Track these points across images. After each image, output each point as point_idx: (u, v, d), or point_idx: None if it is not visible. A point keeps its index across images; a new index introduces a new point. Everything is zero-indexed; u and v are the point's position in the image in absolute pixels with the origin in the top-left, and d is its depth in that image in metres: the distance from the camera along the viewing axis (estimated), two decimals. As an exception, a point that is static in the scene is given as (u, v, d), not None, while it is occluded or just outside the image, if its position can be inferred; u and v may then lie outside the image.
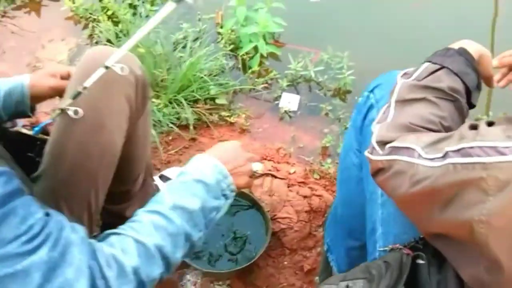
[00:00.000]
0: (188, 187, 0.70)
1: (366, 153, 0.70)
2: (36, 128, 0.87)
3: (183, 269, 1.18)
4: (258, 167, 0.84)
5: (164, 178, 1.33)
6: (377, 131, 0.70)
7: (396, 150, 0.64)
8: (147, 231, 0.65)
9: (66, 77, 0.93)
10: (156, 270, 0.65)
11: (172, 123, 1.53)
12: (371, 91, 0.88)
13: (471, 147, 0.53)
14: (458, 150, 0.54)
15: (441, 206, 0.56)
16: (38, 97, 0.92)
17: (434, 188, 0.56)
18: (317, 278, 1.21)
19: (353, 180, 0.94)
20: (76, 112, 0.77)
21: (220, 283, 1.18)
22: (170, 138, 1.53)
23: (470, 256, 0.57)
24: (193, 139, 1.54)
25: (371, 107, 0.86)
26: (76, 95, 0.76)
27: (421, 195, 0.59)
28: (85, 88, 0.75)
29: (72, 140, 0.80)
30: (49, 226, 0.56)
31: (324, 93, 1.71)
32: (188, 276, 1.17)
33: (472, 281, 0.59)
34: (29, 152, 0.87)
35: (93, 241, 0.63)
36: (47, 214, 0.59)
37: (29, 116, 0.93)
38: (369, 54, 1.76)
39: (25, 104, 0.90)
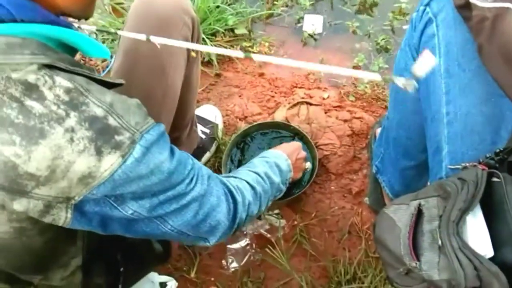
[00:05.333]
0: (271, 166, 0.89)
1: (471, 0, 0.65)
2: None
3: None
4: (308, 165, 1.13)
5: (198, 118, 1.29)
6: None
7: None
8: (253, 181, 0.81)
9: None
10: (255, 211, 0.79)
11: (194, 60, 1.47)
12: (427, 4, 0.80)
13: None
14: None
15: None
16: None
17: None
18: (366, 199, 1.21)
19: (409, 101, 0.89)
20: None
21: (270, 212, 1.19)
22: (199, 76, 1.47)
23: None
24: (218, 75, 1.48)
25: (429, 22, 0.79)
26: None
27: None
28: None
29: (135, 82, 0.79)
30: (196, 167, 0.67)
31: (349, 8, 1.60)
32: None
33: None
34: None
35: (219, 175, 0.76)
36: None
37: None
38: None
39: None
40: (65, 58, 0.55)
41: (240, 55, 0.64)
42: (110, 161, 0.52)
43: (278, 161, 0.91)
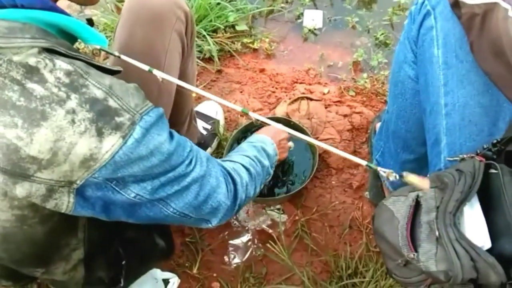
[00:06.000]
0: (259, 150, 0.89)
1: None
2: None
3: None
4: (290, 144, 1.11)
5: (199, 115, 1.30)
6: None
7: None
8: (247, 163, 0.82)
9: None
10: (252, 192, 0.80)
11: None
12: None
13: None
14: None
15: None
16: None
17: None
18: (366, 193, 1.22)
19: (408, 93, 0.89)
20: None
21: (272, 208, 1.20)
22: (196, 72, 1.47)
23: None
24: (219, 71, 1.49)
25: (427, 14, 0.79)
26: None
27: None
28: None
29: (130, 79, 0.79)
30: (194, 149, 0.68)
31: (349, 4, 1.61)
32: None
33: None
34: None
35: (216, 159, 0.77)
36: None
37: None
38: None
39: None
40: (64, 43, 0.56)
41: (238, 108, 0.74)
42: (111, 142, 0.53)
43: (264, 145, 0.93)
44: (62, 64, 0.52)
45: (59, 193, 0.54)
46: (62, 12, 0.58)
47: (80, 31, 0.61)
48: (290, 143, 1.11)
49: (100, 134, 0.52)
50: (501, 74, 0.64)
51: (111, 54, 0.70)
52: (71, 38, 0.62)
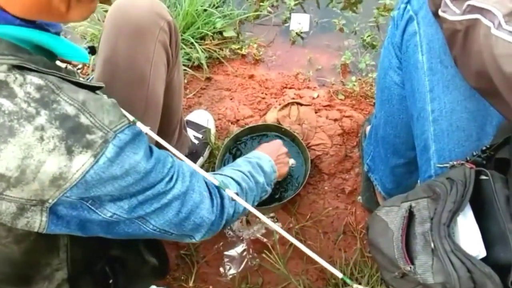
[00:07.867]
0: (253, 166, 0.89)
1: (440, 13, 0.65)
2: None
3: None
4: (292, 161, 1.13)
5: (190, 124, 1.30)
6: None
7: (477, 9, 0.58)
8: (238, 178, 0.81)
9: None
10: (241, 207, 0.77)
11: (184, 65, 1.46)
12: (408, 2, 0.80)
13: None
14: None
15: None
16: None
17: None
18: (359, 197, 1.23)
19: (395, 99, 0.89)
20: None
21: (266, 216, 1.20)
22: (186, 81, 1.46)
23: None
24: (209, 79, 1.48)
25: (410, 20, 0.79)
26: None
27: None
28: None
29: (115, 93, 0.76)
30: (175, 164, 0.66)
31: (334, 6, 1.61)
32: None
33: None
34: None
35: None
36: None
37: None
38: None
39: None
40: (39, 60, 0.54)
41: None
42: (82, 161, 0.52)
43: (261, 162, 0.91)
44: (33, 78, 0.51)
45: (31, 212, 0.53)
46: (36, 27, 0.56)
47: (56, 46, 0.58)
48: (292, 160, 1.13)
49: (70, 152, 0.51)
50: (486, 89, 0.64)
51: (96, 87, 0.67)
52: (51, 53, 0.60)
